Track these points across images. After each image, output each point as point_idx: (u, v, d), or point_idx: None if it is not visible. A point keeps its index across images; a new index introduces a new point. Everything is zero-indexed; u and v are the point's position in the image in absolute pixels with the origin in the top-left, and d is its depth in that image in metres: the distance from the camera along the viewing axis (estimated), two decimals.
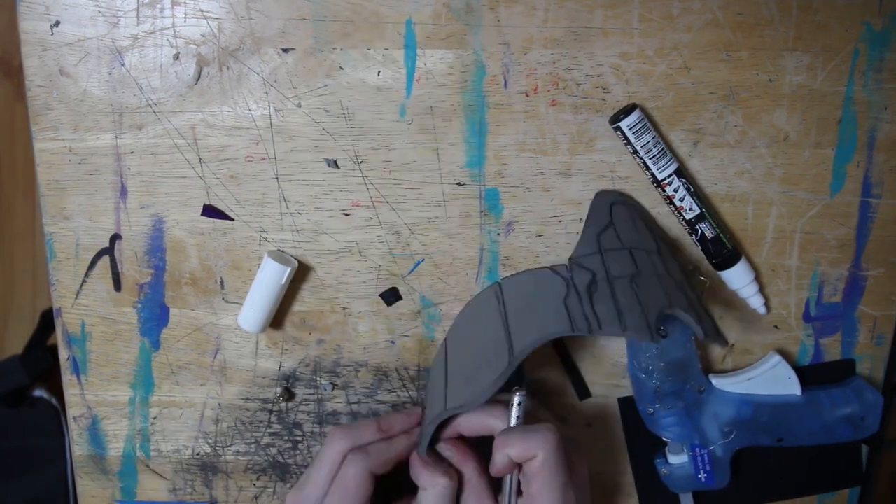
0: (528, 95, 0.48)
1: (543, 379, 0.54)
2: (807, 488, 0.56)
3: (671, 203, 0.49)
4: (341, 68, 0.48)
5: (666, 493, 0.55)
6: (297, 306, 0.52)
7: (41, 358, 1.11)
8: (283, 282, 0.50)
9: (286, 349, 0.53)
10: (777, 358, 0.52)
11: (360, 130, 0.49)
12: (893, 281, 0.52)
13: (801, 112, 0.49)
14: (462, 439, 0.47)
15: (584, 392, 0.54)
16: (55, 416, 1.05)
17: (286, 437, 0.55)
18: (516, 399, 0.44)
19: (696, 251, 0.51)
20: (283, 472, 0.56)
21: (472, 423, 0.46)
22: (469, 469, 0.46)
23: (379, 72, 0.48)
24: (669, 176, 0.48)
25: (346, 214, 0.50)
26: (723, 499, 0.55)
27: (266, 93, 0.48)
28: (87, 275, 0.52)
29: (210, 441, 0.55)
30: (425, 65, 0.48)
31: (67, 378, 0.54)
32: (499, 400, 0.46)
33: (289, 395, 0.54)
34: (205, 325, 0.53)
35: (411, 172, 0.50)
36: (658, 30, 0.47)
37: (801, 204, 0.51)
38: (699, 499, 0.55)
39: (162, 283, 0.52)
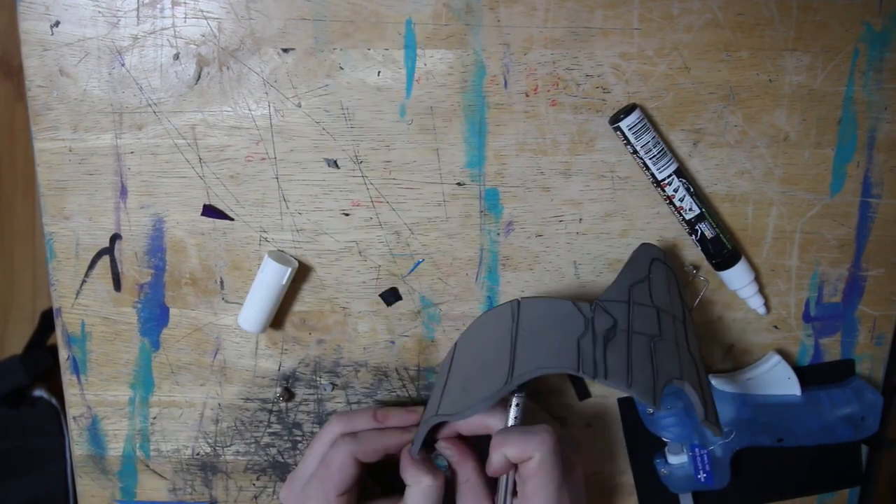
0: (528, 95, 0.48)
1: (543, 378, 0.54)
2: (807, 488, 0.56)
3: (671, 203, 0.49)
4: (341, 68, 0.48)
5: (666, 494, 0.55)
6: (297, 306, 0.52)
7: (41, 358, 1.11)
8: (283, 282, 0.50)
9: (286, 349, 0.53)
10: (777, 358, 0.52)
11: (360, 130, 0.49)
12: (893, 281, 0.52)
13: (801, 112, 0.49)
14: (461, 438, 0.47)
15: (584, 392, 0.54)
16: (55, 416, 1.05)
17: (286, 437, 0.55)
18: (514, 400, 0.44)
19: (696, 251, 0.51)
20: (283, 472, 0.56)
21: (471, 422, 0.46)
22: (467, 468, 0.46)
23: (379, 72, 0.48)
24: (669, 176, 0.48)
25: (346, 214, 0.50)
26: (723, 499, 0.55)
27: (266, 93, 0.48)
28: (87, 275, 0.52)
29: (210, 441, 0.55)
30: (425, 65, 0.48)
31: (67, 378, 0.54)
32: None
33: (289, 395, 0.54)
34: (205, 325, 0.53)
35: (411, 172, 0.50)
36: (658, 30, 0.47)
37: (801, 204, 0.51)
38: (699, 499, 0.55)
39: (162, 283, 0.52)
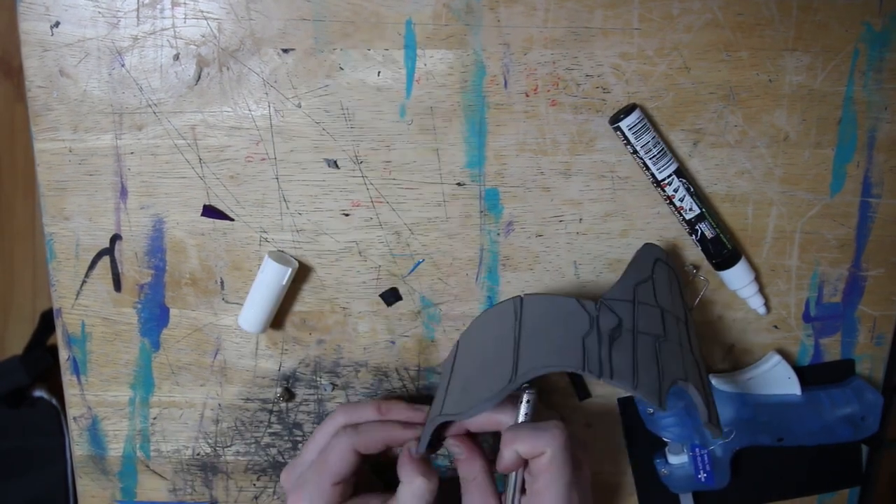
0: (528, 95, 0.48)
1: (544, 378, 0.54)
2: (807, 488, 0.56)
3: (671, 203, 0.49)
4: (341, 69, 0.48)
5: (666, 494, 0.55)
6: (298, 306, 0.52)
7: (41, 358, 1.11)
8: (283, 282, 0.50)
9: (286, 349, 0.53)
10: (777, 358, 0.52)
11: (360, 131, 0.49)
12: (893, 281, 0.52)
13: (801, 112, 0.49)
14: (470, 436, 0.47)
15: (584, 392, 0.54)
16: (55, 416, 1.05)
17: (286, 438, 0.55)
18: (525, 397, 0.44)
19: (696, 251, 0.51)
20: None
21: (480, 418, 0.46)
22: (475, 466, 0.46)
23: (379, 72, 0.48)
24: (669, 176, 0.48)
25: (346, 215, 0.50)
26: (723, 499, 0.55)
27: (266, 93, 0.48)
28: (87, 275, 0.52)
29: (210, 441, 0.55)
30: (425, 65, 0.48)
31: (67, 378, 0.54)
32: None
33: (289, 395, 0.54)
34: (205, 325, 0.53)
35: (411, 172, 0.50)
36: (658, 30, 0.47)
37: (801, 204, 0.51)
38: (699, 499, 0.55)
39: (162, 283, 0.52)
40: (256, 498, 0.56)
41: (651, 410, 0.52)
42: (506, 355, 0.44)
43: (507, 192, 0.50)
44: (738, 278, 0.50)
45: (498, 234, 0.51)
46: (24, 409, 1.06)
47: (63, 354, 0.53)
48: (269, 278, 0.49)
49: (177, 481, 0.56)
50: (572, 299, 0.45)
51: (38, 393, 1.08)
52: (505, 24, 0.47)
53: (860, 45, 0.48)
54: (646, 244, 0.49)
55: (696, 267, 0.51)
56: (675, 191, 0.48)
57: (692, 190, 0.49)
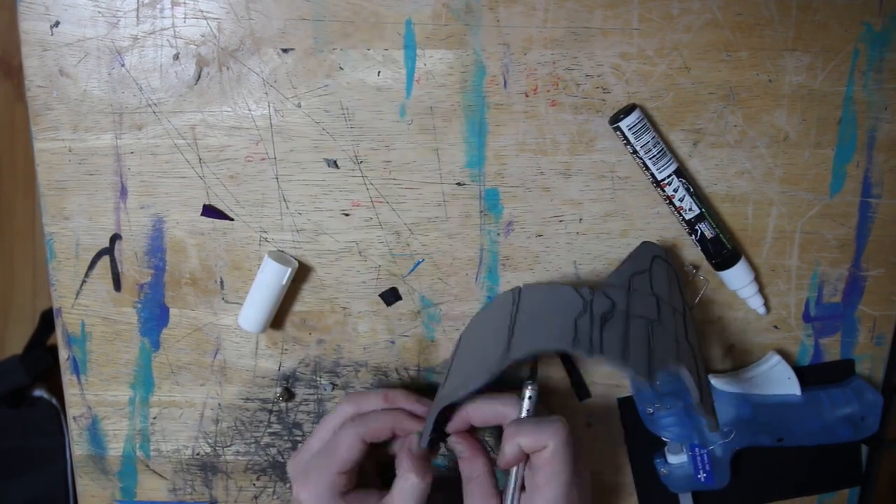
0: (527, 95, 0.48)
1: (544, 379, 0.54)
2: (807, 488, 0.56)
3: (671, 203, 0.49)
4: (341, 68, 0.48)
5: (666, 493, 0.55)
6: (298, 306, 0.52)
7: (41, 358, 1.11)
8: (283, 282, 0.50)
9: (286, 349, 0.53)
10: (777, 358, 0.52)
11: (360, 130, 0.49)
12: (893, 281, 0.52)
13: (801, 112, 0.49)
14: (473, 435, 0.47)
15: (584, 392, 0.54)
16: (55, 416, 1.05)
17: (286, 437, 0.55)
18: (528, 392, 0.44)
19: (696, 251, 0.51)
20: (283, 472, 0.56)
21: (484, 411, 0.46)
22: (478, 464, 0.46)
23: (379, 72, 0.48)
24: (669, 176, 0.48)
25: (346, 214, 0.50)
26: (723, 499, 0.55)
27: (266, 93, 0.48)
28: (87, 275, 0.52)
29: (210, 441, 0.55)
30: (425, 65, 0.48)
31: (67, 378, 0.54)
32: (505, 390, 0.46)
33: (289, 395, 0.54)
34: (205, 325, 0.53)
35: (411, 172, 0.50)
36: (658, 30, 0.47)
37: (801, 204, 0.51)
38: (699, 499, 0.55)
39: (162, 283, 0.52)
40: (256, 498, 0.56)
41: (651, 410, 0.52)
42: (500, 340, 0.44)
43: (507, 192, 0.50)
44: (737, 278, 0.50)
45: (498, 234, 0.51)
46: (24, 408, 1.06)
47: (63, 354, 0.53)
48: (269, 278, 0.49)
49: (177, 481, 0.56)
50: (569, 287, 0.46)
51: (38, 393, 1.07)
52: (505, 24, 0.47)
53: (860, 45, 0.48)
54: (644, 242, 0.50)
55: (696, 267, 0.51)
56: (675, 191, 0.48)
57: (692, 190, 0.49)
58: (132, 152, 0.49)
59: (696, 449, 0.52)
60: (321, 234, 0.51)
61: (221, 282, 0.52)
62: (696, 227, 0.49)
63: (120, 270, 0.52)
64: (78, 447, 0.55)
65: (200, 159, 0.50)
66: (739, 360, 0.54)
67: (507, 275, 0.51)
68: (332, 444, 0.47)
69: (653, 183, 0.49)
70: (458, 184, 0.50)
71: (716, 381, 0.52)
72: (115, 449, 0.55)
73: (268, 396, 0.54)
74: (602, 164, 0.50)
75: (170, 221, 0.51)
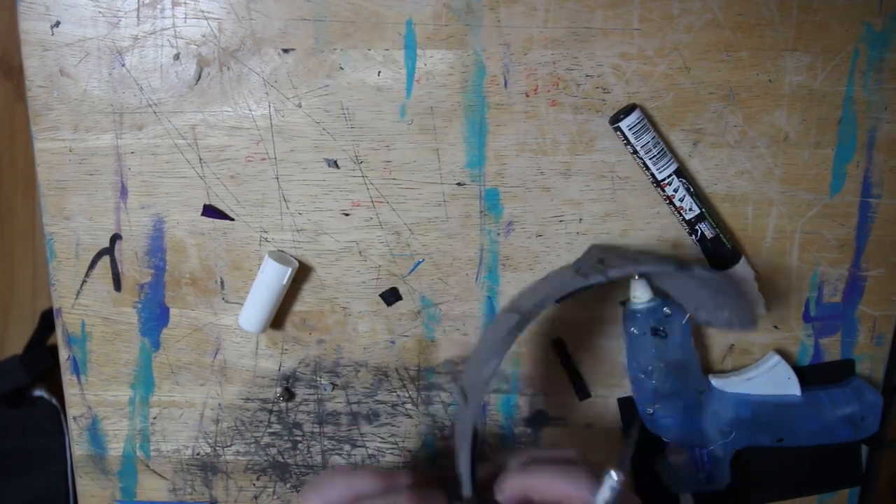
0: (528, 95, 0.48)
1: (544, 379, 0.54)
2: (807, 488, 0.56)
3: (671, 203, 0.49)
4: (341, 68, 0.48)
5: (666, 493, 0.55)
6: (298, 306, 0.52)
7: (41, 358, 1.10)
8: (283, 282, 0.50)
9: (286, 349, 0.53)
10: (777, 358, 0.52)
11: (360, 130, 0.49)
12: (893, 281, 0.52)
13: (801, 112, 0.49)
14: None
15: (584, 392, 0.54)
16: (55, 416, 1.05)
17: (286, 437, 0.55)
18: (611, 481, 0.37)
19: (696, 251, 0.51)
20: (283, 472, 0.56)
21: (548, 486, 0.38)
22: None
23: (379, 72, 0.48)
24: (669, 176, 0.48)
25: (346, 214, 0.50)
26: (723, 499, 0.55)
27: (266, 93, 0.48)
28: (87, 275, 0.52)
29: (210, 441, 0.55)
30: (425, 65, 0.48)
31: (67, 378, 0.54)
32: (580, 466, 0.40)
33: (289, 395, 0.54)
34: (205, 325, 0.53)
35: (411, 172, 0.50)
36: (658, 30, 0.47)
37: (801, 204, 0.51)
38: (699, 499, 0.55)
39: (162, 283, 0.52)
40: (256, 498, 0.56)
41: (651, 410, 0.52)
42: (509, 318, 0.44)
43: (507, 192, 0.50)
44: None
45: (498, 234, 0.51)
46: (24, 409, 1.06)
47: (63, 354, 0.53)
48: (269, 278, 0.49)
49: (177, 481, 0.56)
50: (557, 277, 0.47)
51: (38, 393, 1.07)
52: (505, 24, 0.47)
53: (860, 45, 0.48)
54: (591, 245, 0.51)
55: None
56: (675, 191, 0.48)
57: (692, 190, 0.49)
58: (132, 152, 0.49)
59: (697, 449, 0.52)
60: (321, 234, 0.51)
61: (221, 282, 0.52)
62: (697, 227, 0.49)
63: (120, 270, 0.52)
64: (78, 447, 0.55)
65: (201, 159, 0.50)
66: (739, 360, 0.54)
67: (507, 275, 0.51)
68: None
69: (653, 183, 0.49)
70: (459, 184, 0.50)
71: (715, 382, 0.52)
72: (115, 449, 0.55)
73: (268, 396, 0.54)
74: (602, 164, 0.50)
75: (170, 221, 0.51)
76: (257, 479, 0.56)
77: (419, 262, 0.51)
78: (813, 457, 0.55)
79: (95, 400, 0.54)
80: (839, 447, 0.54)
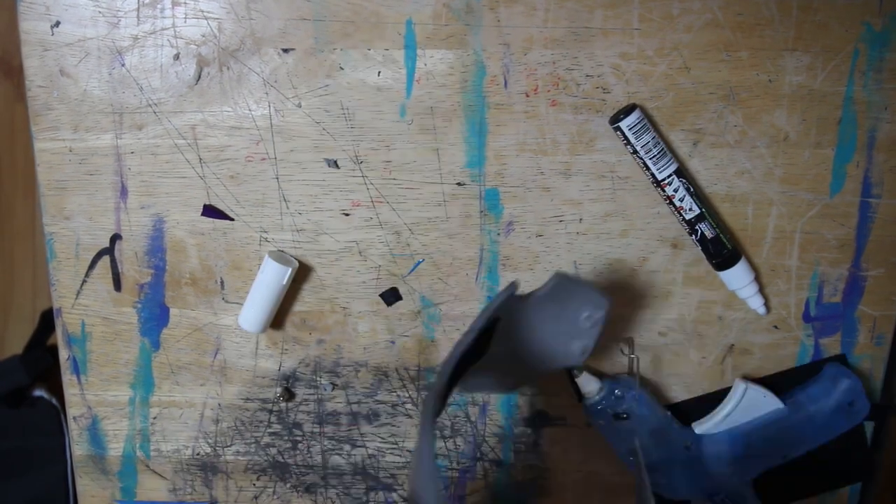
0: (528, 95, 0.48)
1: (544, 380, 0.54)
2: (818, 486, 0.56)
3: (671, 203, 0.49)
4: (341, 68, 0.48)
5: (666, 493, 0.55)
6: (298, 306, 0.52)
7: (41, 358, 1.10)
8: (283, 282, 0.50)
9: (286, 349, 0.53)
10: (743, 385, 0.52)
11: (360, 130, 0.49)
12: (893, 281, 0.52)
13: (801, 112, 0.49)
14: None
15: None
16: (55, 416, 1.05)
17: (286, 437, 0.55)
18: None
19: (696, 251, 0.51)
20: (283, 472, 0.56)
21: None
22: None
23: (379, 72, 0.48)
24: (669, 176, 0.48)
25: (346, 214, 0.50)
26: None
27: (266, 93, 0.48)
28: (87, 275, 0.52)
29: (210, 441, 0.55)
30: (425, 65, 0.48)
31: (67, 378, 0.54)
32: None
33: (289, 395, 0.54)
34: (205, 325, 0.53)
35: (411, 172, 0.50)
36: (658, 30, 0.47)
37: (801, 204, 0.51)
38: None
39: (162, 283, 0.52)
40: (256, 498, 0.56)
41: (656, 481, 0.52)
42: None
43: (507, 192, 0.50)
44: (738, 278, 0.50)
45: (498, 234, 0.51)
46: (24, 409, 1.06)
47: (63, 354, 0.53)
48: (269, 278, 0.49)
49: (177, 481, 0.56)
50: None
51: (38, 393, 1.07)
52: (505, 24, 0.47)
53: (860, 45, 0.48)
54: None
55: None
56: (675, 191, 0.48)
57: (692, 190, 0.49)
58: (132, 152, 0.49)
59: (716, 497, 0.52)
60: (321, 234, 0.51)
61: (221, 282, 0.52)
62: (697, 227, 0.49)
63: (120, 270, 0.52)
64: (78, 447, 0.55)
65: (201, 159, 0.50)
66: (739, 360, 0.54)
67: (507, 275, 0.51)
68: None
69: (653, 183, 0.49)
70: (459, 184, 0.50)
71: (699, 429, 0.52)
72: (115, 449, 0.55)
73: (268, 396, 0.54)
74: (602, 164, 0.50)
75: (170, 221, 0.51)
76: (257, 479, 0.56)
77: (419, 262, 0.51)
78: (818, 455, 0.54)
79: (95, 400, 0.54)
80: (843, 439, 0.54)
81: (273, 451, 0.55)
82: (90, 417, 0.55)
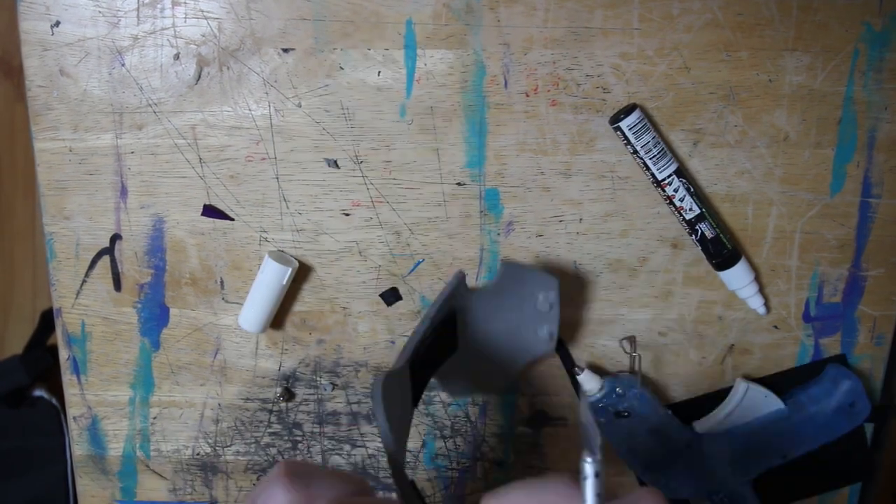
0: (528, 95, 0.48)
1: (544, 380, 0.54)
2: (818, 486, 0.56)
3: (671, 203, 0.49)
4: (341, 68, 0.48)
5: (666, 493, 0.55)
6: (298, 306, 0.52)
7: (41, 358, 1.11)
8: (283, 282, 0.50)
9: (286, 349, 0.53)
10: (744, 384, 0.52)
11: (360, 130, 0.49)
12: (893, 281, 0.52)
13: (801, 112, 0.49)
14: None
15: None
16: (55, 416, 1.05)
17: (286, 437, 0.55)
18: (589, 468, 0.30)
19: (696, 251, 0.51)
20: None
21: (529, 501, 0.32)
22: None
23: (379, 72, 0.48)
24: (669, 176, 0.48)
25: (346, 214, 0.50)
26: None
27: (266, 93, 0.48)
28: (87, 275, 0.52)
29: (210, 441, 0.55)
30: (425, 65, 0.48)
31: (67, 378, 0.54)
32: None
33: (289, 395, 0.54)
34: (205, 325, 0.53)
35: (411, 172, 0.50)
36: (658, 30, 0.47)
37: (801, 204, 0.51)
38: None
39: (162, 283, 0.52)
40: None
41: (656, 479, 0.52)
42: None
43: (507, 192, 0.50)
44: (738, 278, 0.50)
45: (498, 234, 0.51)
46: (24, 409, 1.06)
47: (63, 354, 0.53)
48: (269, 278, 0.49)
49: (177, 481, 0.56)
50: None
51: (38, 393, 1.07)
52: (505, 24, 0.47)
53: (860, 45, 0.48)
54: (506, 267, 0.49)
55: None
56: (675, 191, 0.48)
57: (692, 190, 0.49)
58: (132, 152, 0.49)
59: (715, 496, 0.52)
60: (321, 234, 0.51)
61: (221, 282, 0.52)
62: (697, 227, 0.49)
63: (120, 270, 0.52)
64: (78, 447, 0.55)
65: (201, 159, 0.50)
66: (739, 360, 0.54)
67: None
68: None
69: (653, 183, 0.49)
70: (459, 184, 0.50)
71: (700, 428, 0.52)
72: (115, 449, 0.55)
73: (268, 396, 0.54)
74: (602, 164, 0.50)
75: (170, 221, 0.51)
76: (257, 479, 0.56)
77: (419, 262, 0.51)
78: (819, 455, 0.54)
79: (95, 400, 0.54)
80: (843, 440, 0.54)
81: (273, 451, 0.55)
82: (90, 417, 0.55)
